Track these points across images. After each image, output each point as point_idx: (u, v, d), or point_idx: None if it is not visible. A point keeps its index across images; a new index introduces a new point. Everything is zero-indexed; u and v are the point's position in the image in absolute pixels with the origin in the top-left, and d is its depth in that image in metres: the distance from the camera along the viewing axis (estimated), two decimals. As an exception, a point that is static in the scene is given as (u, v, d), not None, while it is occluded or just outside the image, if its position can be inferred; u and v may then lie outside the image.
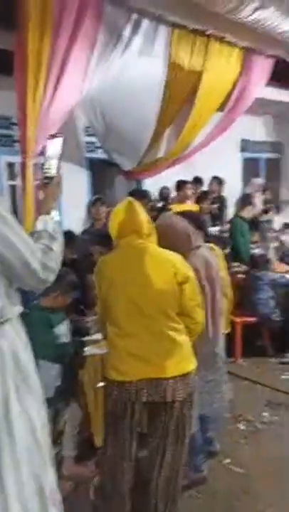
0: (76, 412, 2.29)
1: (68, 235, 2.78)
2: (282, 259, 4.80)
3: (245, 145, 6.91)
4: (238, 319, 3.90)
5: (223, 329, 2.72)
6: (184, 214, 2.27)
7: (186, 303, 1.73)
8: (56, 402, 2.16)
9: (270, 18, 3.51)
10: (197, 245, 2.11)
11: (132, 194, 3.75)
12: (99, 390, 2.17)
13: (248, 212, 4.80)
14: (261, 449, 2.60)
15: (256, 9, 3.33)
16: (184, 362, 1.69)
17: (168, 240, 1.84)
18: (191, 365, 1.71)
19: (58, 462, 2.16)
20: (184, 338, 1.72)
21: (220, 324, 2.22)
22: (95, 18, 3.23)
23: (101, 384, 2.04)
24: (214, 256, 2.28)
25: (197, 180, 5.52)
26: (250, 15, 3.42)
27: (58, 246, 1.33)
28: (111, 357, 1.75)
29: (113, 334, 1.73)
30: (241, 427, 2.85)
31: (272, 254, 4.85)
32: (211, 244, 2.46)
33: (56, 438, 2.19)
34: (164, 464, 1.71)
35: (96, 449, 2.28)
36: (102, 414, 1.92)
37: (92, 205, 4.50)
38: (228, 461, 2.46)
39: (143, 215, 1.77)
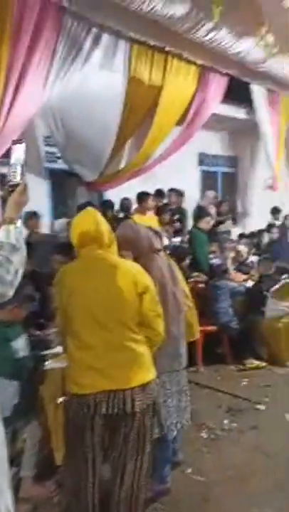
0: (36, 430, 2.21)
1: (27, 245, 2.72)
2: (238, 269, 4.96)
3: (203, 159, 7.15)
4: (199, 328, 3.96)
5: (192, 337, 2.78)
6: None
7: (147, 313, 1.75)
8: (14, 421, 2.07)
9: (225, 38, 3.69)
10: (158, 248, 2.14)
11: (93, 205, 3.74)
12: (59, 405, 2.12)
13: (206, 224, 4.94)
14: (222, 456, 2.63)
15: (211, 30, 3.50)
16: (144, 372, 1.70)
17: (130, 244, 1.85)
18: (150, 374, 1.72)
19: (16, 484, 2.08)
20: (143, 349, 1.72)
21: (181, 325, 2.24)
22: (55, 30, 3.24)
23: (61, 399, 1.99)
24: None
25: (159, 193, 5.62)
26: (206, 35, 3.58)
27: (19, 257, 1.28)
28: (71, 370, 1.71)
29: (73, 347, 1.70)
30: (203, 435, 2.88)
31: (229, 264, 5.01)
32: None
33: (14, 458, 2.10)
34: (125, 476, 1.69)
35: (56, 467, 2.21)
36: (62, 430, 1.87)
37: (28, 218, 4.35)
38: (190, 470, 2.47)
39: (104, 225, 1.77)
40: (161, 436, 2.11)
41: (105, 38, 3.70)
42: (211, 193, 6.32)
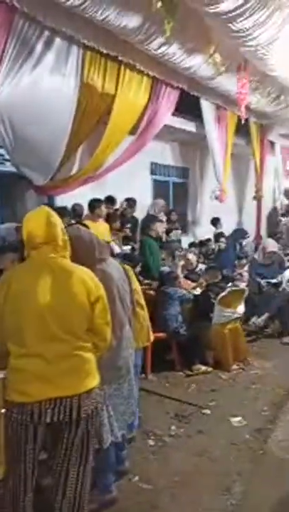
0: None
1: None
2: (187, 277, 5.09)
3: (155, 168, 7.28)
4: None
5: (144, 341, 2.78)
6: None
7: (96, 321, 1.73)
8: None
9: (176, 54, 3.81)
10: (103, 257, 2.12)
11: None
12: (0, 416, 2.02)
13: (156, 232, 5.02)
14: (169, 463, 2.66)
15: (163, 44, 3.60)
16: (90, 378, 1.68)
17: (74, 250, 1.82)
18: (95, 381, 1.70)
19: None
20: (90, 355, 1.70)
21: (129, 332, 2.24)
22: (4, 30, 3.15)
23: (2, 410, 1.90)
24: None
25: (109, 200, 5.62)
26: (158, 48, 3.67)
27: None
28: (13, 378, 1.64)
29: (17, 354, 1.63)
30: (151, 442, 2.89)
31: (179, 272, 5.12)
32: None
33: None
34: (68, 484, 1.65)
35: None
36: (3, 442, 1.79)
37: None
38: (137, 478, 2.46)
39: (59, 227, 1.70)
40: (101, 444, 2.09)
41: (58, 42, 3.66)
42: (160, 202, 6.44)
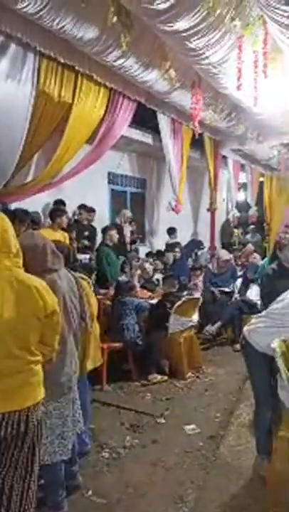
0: None
1: None
2: (144, 286, 5.13)
3: (113, 178, 7.31)
4: (104, 345, 3.96)
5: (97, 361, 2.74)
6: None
7: (48, 333, 1.70)
8: None
9: (132, 67, 3.89)
10: (55, 267, 2.09)
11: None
12: None
13: (111, 240, 5.03)
14: (123, 475, 2.63)
15: (119, 57, 3.65)
16: (37, 391, 1.65)
17: (25, 257, 1.76)
18: (42, 393, 1.68)
19: None
20: (38, 367, 1.67)
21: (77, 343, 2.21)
22: None
23: None
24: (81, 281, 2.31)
25: (60, 203, 5.49)
26: (115, 61, 3.73)
27: None
28: None
29: None
30: (105, 454, 2.85)
31: (136, 281, 5.15)
32: (78, 274, 2.49)
33: None
34: (12, 499, 1.58)
35: None
36: None
37: None
38: (90, 492, 2.41)
39: (10, 232, 1.63)
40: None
41: (13, 47, 3.61)
42: (126, 212, 6.48)
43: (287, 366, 2.28)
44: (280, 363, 2.25)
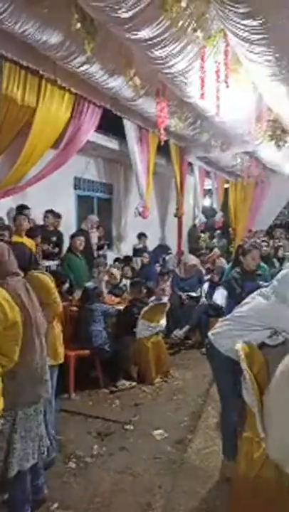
0: None
1: None
2: (112, 292, 5.10)
3: (79, 183, 7.26)
4: (71, 353, 3.90)
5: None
6: (14, 247, 2.21)
7: (7, 344, 1.66)
8: None
9: (97, 73, 3.89)
10: (15, 272, 2.04)
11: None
12: None
13: (80, 246, 4.98)
14: (90, 484, 2.59)
15: (84, 63, 3.64)
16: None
17: None
18: (1, 403, 1.62)
19: None
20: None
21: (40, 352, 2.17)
22: None
23: None
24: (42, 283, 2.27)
25: (23, 207, 5.39)
26: (79, 67, 3.71)
27: None
28: None
29: None
30: (72, 465, 2.79)
31: (104, 287, 5.12)
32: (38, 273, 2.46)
33: None
34: None
35: None
36: None
37: None
38: (56, 505, 2.36)
39: None
40: (17, 475, 1.98)
41: (-27, 49, 3.52)
42: (93, 217, 6.43)
43: (251, 368, 2.34)
44: (244, 365, 2.30)
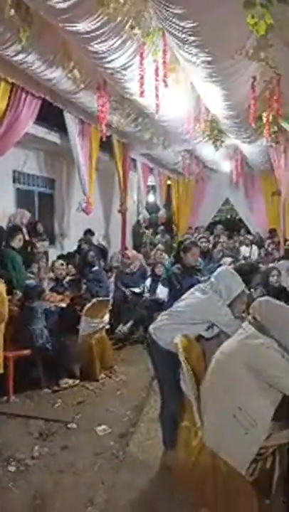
0: None
1: None
2: (54, 290, 4.99)
3: (18, 177, 6.97)
4: (10, 354, 3.76)
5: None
6: None
7: None
8: None
9: (34, 63, 3.75)
10: None
11: None
12: None
13: (18, 242, 4.80)
14: (30, 487, 2.53)
15: (20, 52, 3.50)
16: None
17: None
18: None
19: None
20: None
21: None
22: None
23: None
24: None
25: None
26: (15, 55, 3.56)
27: None
28: None
29: None
30: (11, 468, 2.71)
31: (45, 285, 4.99)
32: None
33: None
34: None
35: None
36: None
37: None
38: (-6, 513, 2.28)
39: None
40: None
41: None
42: (22, 211, 6.15)
43: (188, 360, 2.43)
44: (182, 357, 2.38)
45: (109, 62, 3.67)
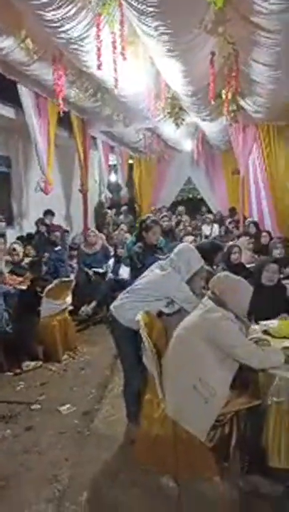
0: None
1: None
2: (13, 271, 4.85)
3: None
4: None
5: None
6: None
7: None
8: None
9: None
10: None
11: None
12: None
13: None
14: (-6, 470, 2.51)
15: None
16: None
17: None
18: None
19: None
20: None
21: None
22: None
23: None
24: None
25: None
26: None
27: None
28: None
29: None
30: (-29, 455, 2.67)
31: (3, 267, 4.83)
32: None
33: None
34: None
35: None
36: None
37: None
38: None
39: None
40: None
41: None
42: None
43: (150, 335, 2.47)
44: (144, 333, 2.41)
45: (64, 32, 3.48)
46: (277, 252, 4.89)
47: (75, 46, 3.79)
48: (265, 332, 2.66)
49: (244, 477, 2.24)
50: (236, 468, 2.28)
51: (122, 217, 10.12)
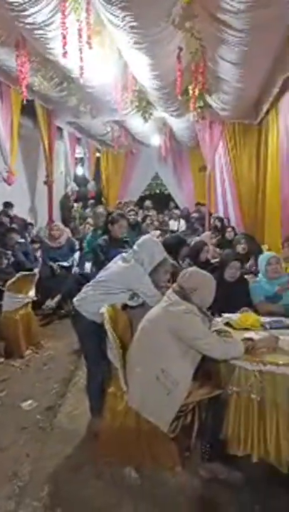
0: None
1: None
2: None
3: None
4: None
5: None
6: None
7: None
8: None
9: None
10: None
11: None
12: None
13: None
14: None
15: None
16: None
17: None
18: None
19: None
20: None
21: None
22: None
23: None
24: None
25: None
26: None
27: None
28: None
29: None
30: None
31: None
32: None
33: None
34: None
35: None
36: None
37: None
38: None
39: None
40: None
41: None
42: None
43: (115, 328, 2.46)
44: (108, 326, 2.40)
45: (28, 16, 3.37)
46: (241, 247, 5.01)
47: (40, 32, 3.68)
48: (227, 324, 2.72)
49: (204, 465, 2.29)
50: (197, 456, 2.33)
51: (88, 210, 10.00)
